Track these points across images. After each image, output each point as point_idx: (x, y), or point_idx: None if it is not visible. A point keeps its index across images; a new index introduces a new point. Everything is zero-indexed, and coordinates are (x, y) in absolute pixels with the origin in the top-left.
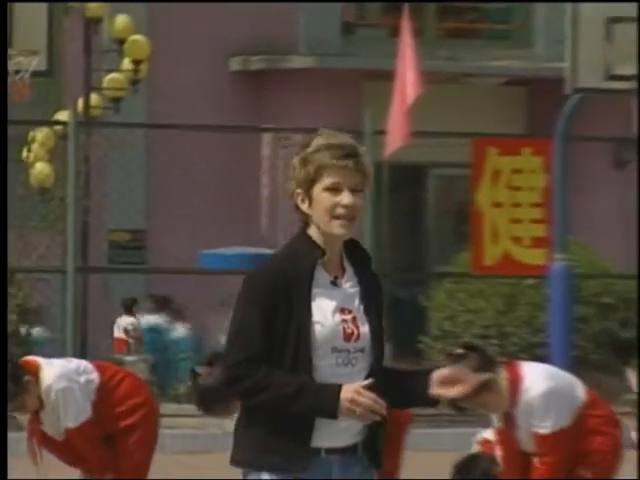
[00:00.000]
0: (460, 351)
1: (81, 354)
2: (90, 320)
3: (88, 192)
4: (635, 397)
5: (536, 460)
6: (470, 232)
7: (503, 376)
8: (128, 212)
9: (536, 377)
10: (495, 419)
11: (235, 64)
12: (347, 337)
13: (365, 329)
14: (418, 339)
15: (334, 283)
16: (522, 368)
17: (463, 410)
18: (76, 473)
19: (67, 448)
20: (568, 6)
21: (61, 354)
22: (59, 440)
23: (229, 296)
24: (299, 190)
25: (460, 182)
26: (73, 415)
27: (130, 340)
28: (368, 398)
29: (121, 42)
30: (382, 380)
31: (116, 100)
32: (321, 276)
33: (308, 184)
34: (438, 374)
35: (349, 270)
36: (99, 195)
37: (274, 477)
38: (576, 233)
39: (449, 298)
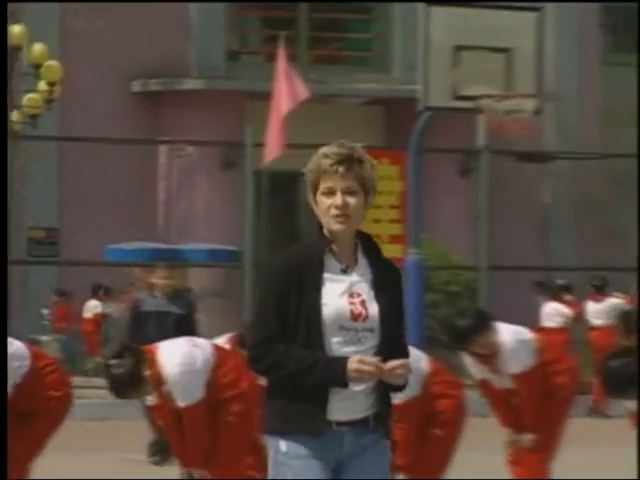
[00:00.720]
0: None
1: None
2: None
3: (11, 195)
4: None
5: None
6: None
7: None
8: (44, 212)
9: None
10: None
11: (136, 86)
12: (354, 317)
13: (374, 311)
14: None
15: (344, 271)
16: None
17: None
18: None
19: None
20: (420, 36)
21: None
22: None
23: (129, 284)
24: (311, 196)
25: None
26: None
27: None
28: (371, 365)
29: (37, 67)
30: (389, 356)
31: (33, 117)
32: (331, 264)
33: (314, 190)
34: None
35: (362, 261)
36: (19, 199)
37: (287, 448)
38: (428, 231)
39: None
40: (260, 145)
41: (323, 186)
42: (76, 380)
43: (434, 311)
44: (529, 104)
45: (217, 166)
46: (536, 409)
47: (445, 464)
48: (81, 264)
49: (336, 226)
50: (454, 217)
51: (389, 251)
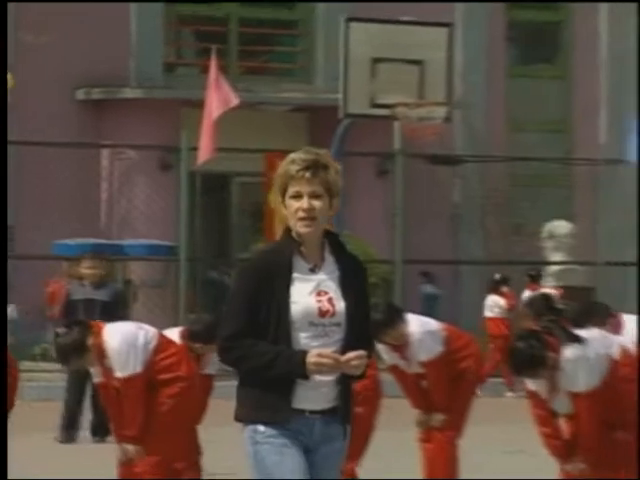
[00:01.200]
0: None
1: None
2: None
3: None
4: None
5: None
6: (264, 226)
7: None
8: None
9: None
10: None
11: (80, 94)
12: (322, 314)
13: (341, 307)
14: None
15: (312, 270)
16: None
17: None
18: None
19: None
20: (341, 50)
21: None
22: None
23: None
24: (279, 199)
25: (256, 187)
26: None
27: None
28: (329, 358)
29: None
30: (355, 349)
31: None
32: (300, 265)
33: (282, 193)
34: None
35: (329, 259)
36: None
37: (265, 429)
38: (348, 228)
39: None
40: (194, 149)
41: (291, 190)
42: (25, 364)
43: None
44: (440, 112)
45: (155, 168)
46: (444, 392)
47: (365, 441)
48: (24, 258)
49: (303, 229)
50: (372, 215)
51: None
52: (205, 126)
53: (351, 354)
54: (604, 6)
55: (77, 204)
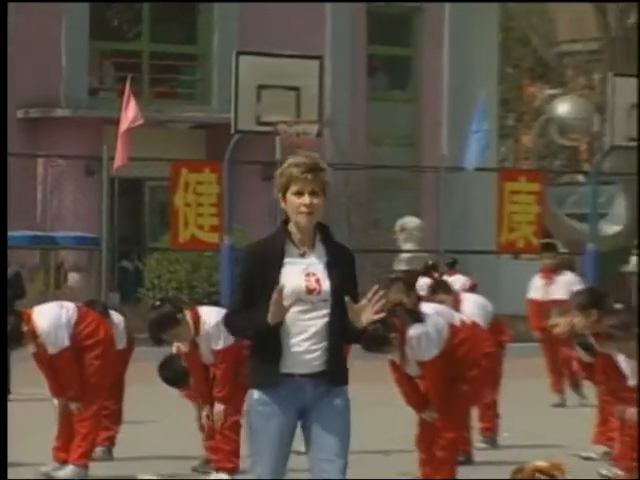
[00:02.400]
0: (157, 303)
1: None
2: None
3: None
4: None
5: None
6: (170, 221)
7: (189, 315)
8: None
9: (209, 315)
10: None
11: (20, 113)
12: (309, 292)
13: (326, 286)
14: (137, 290)
15: (302, 255)
16: (201, 310)
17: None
18: None
19: None
20: (232, 78)
21: None
22: None
23: (21, 265)
24: (279, 195)
25: (164, 190)
26: None
27: None
28: (277, 292)
29: None
30: (341, 318)
31: None
32: (291, 250)
33: (283, 190)
34: None
35: (320, 246)
36: None
37: (259, 396)
38: (238, 223)
39: (157, 264)
40: (113, 158)
41: (293, 188)
42: None
43: None
44: (313, 128)
45: (81, 174)
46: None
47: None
48: None
49: (303, 221)
50: (258, 212)
51: (210, 238)
52: (120, 140)
53: (364, 301)
54: (446, 43)
55: (18, 203)
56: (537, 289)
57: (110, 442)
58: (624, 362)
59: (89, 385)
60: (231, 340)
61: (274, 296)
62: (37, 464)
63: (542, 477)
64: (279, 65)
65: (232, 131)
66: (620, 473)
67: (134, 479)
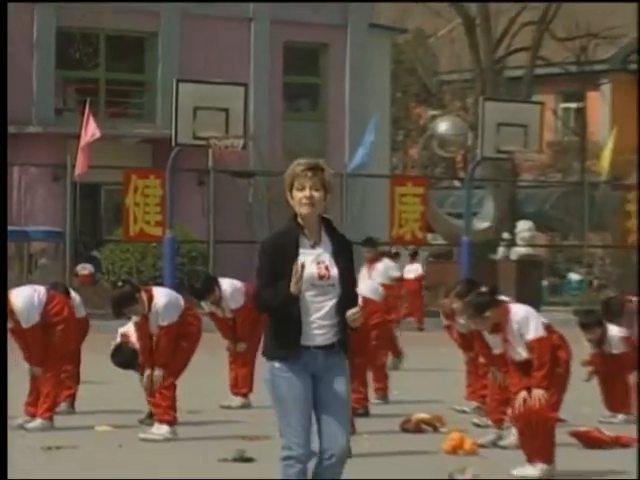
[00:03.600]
0: (119, 284)
1: None
2: None
3: None
4: None
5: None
6: (122, 218)
7: (144, 295)
8: None
9: (160, 296)
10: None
11: None
12: (320, 277)
13: (334, 272)
14: (95, 276)
15: (313, 246)
16: (154, 290)
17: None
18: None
19: None
20: (174, 100)
21: None
22: None
23: None
24: (287, 191)
25: (118, 193)
26: None
27: None
28: (296, 271)
29: None
30: (346, 297)
31: None
32: (304, 242)
33: (290, 187)
34: None
35: (325, 237)
36: None
37: (280, 365)
38: (178, 219)
39: (111, 253)
40: (75, 166)
41: (296, 184)
42: None
43: (182, 267)
44: (239, 142)
45: (49, 179)
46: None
47: (186, 365)
48: None
49: (304, 210)
50: (194, 210)
51: (155, 232)
52: (81, 151)
53: (351, 312)
54: (347, 73)
55: None
56: (363, 277)
57: (71, 399)
58: (487, 335)
59: (55, 353)
60: (174, 318)
61: (297, 269)
62: (12, 417)
63: (425, 427)
64: (211, 90)
65: (173, 144)
66: (490, 423)
67: (91, 429)
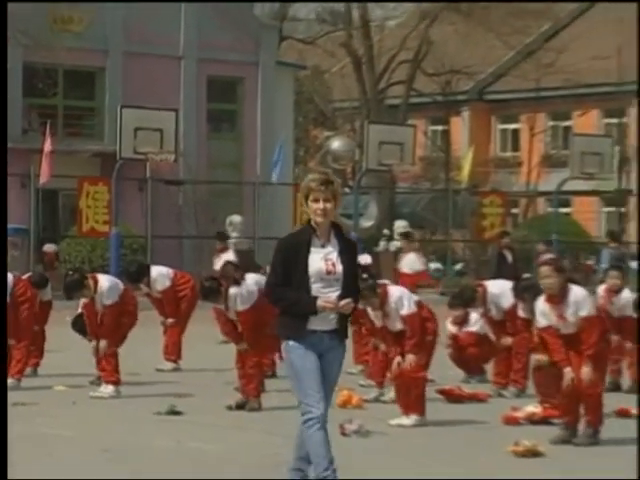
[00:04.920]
0: (70, 272)
1: None
2: None
3: None
4: None
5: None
6: (76, 218)
7: (90, 281)
8: None
9: (103, 281)
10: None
11: None
12: (328, 272)
13: (339, 269)
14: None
15: (323, 246)
16: (98, 277)
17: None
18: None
19: None
20: (119, 123)
21: None
22: None
23: None
24: (303, 201)
25: (73, 198)
26: None
27: None
28: (330, 303)
29: None
30: (347, 291)
31: None
32: (315, 242)
33: (305, 198)
34: None
35: (334, 240)
36: None
37: (293, 343)
38: (123, 220)
39: (68, 245)
40: (38, 176)
41: (312, 197)
42: None
43: (125, 257)
44: (171, 157)
45: (18, 186)
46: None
47: (126, 336)
48: None
49: (318, 219)
50: (135, 212)
51: (103, 229)
52: (44, 163)
53: (343, 302)
54: (259, 101)
55: None
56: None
57: (36, 365)
58: (371, 313)
59: (22, 326)
60: (116, 299)
61: (328, 305)
62: None
63: None
64: (149, 115)
65: (117, 158)
66: (373, 383)
67: (50, 388)
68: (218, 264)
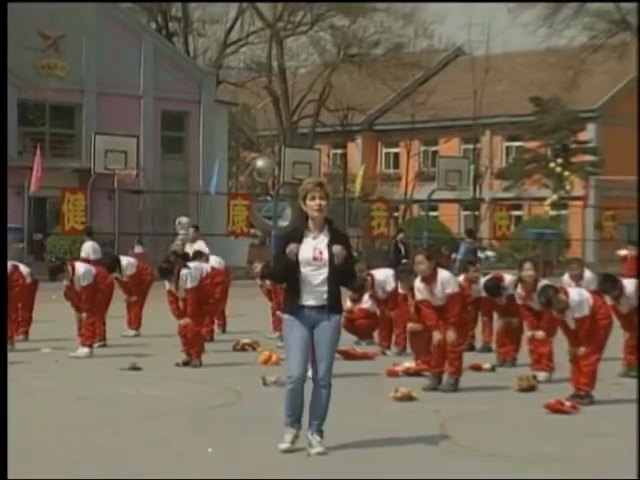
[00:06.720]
0: (53, 260)
1: None
2: None
3: None
4: None
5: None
6: (60, 219)
7: (69, 267)
8: None
9: (79, 268)
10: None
11: None
12: (314, 259)
13: (325, 256)
14: (43, 254)
15: (314, 237)
16: (76, 264)
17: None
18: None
19: None
20: (92, 146)
21: None
22: None
23: None
24: (301, 201)
25: (57, 203)
26: None
27: None
28: (292, 247)
29: None
30: (335, 274)
31: None
32: (307, 234)
33: (303, 198)
34: None
35: (326, 232)
36: None
37: (288, 317)
38: (97, 221)
39: (53, 240)
40: (30, 187)
41: (309, 196)
42: None
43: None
44: (134, 172)
45: (15, 195)
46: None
47: (101, 310)
48: None
49: (315, 214)
50: (106, 216)
51: (81, 227)
52: (34, 175)
53: (337, 247)
54: (201, 131)
55: None
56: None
57: (26, 333)
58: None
59: (13, 303)
60: (90, 281)
61: (292, 246)
62: None
63: (248, 347)
64: (117, 140)
65: (92, 173)
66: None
67: (38, 350)
68: (190, 249)
